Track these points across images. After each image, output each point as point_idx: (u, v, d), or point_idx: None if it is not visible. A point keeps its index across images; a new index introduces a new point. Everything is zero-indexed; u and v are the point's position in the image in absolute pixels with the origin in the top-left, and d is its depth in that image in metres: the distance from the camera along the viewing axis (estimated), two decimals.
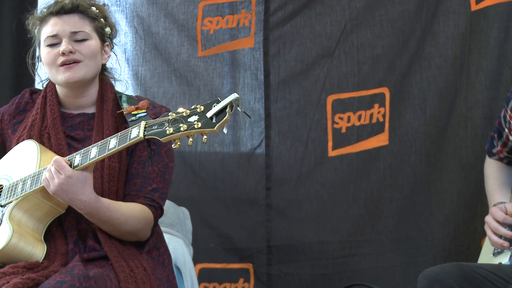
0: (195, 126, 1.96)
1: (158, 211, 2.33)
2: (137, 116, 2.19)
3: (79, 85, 2.37)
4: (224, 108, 1.95)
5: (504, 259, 2.57)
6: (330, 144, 3.63)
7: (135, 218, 2.26)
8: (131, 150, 2.32)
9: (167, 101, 3.67)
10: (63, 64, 2.32)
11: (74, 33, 2.34)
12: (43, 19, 2.38)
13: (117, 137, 2.09)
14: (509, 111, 2.58)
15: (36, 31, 2.41)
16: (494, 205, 2.61)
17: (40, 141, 2.34)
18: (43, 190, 2.22)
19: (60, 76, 2.34)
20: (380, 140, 3.60)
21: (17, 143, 2.38)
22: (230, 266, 3.66)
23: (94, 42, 2.37)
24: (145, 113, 2.19)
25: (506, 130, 2.63)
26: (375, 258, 3.57)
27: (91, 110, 2.41)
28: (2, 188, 2.35)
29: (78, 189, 2.15)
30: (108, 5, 2.49)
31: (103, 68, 2.44)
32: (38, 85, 2.55)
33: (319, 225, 3.62)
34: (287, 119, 3.67)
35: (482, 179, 2.81)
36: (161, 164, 2.33)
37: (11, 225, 2.21)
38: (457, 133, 3.52)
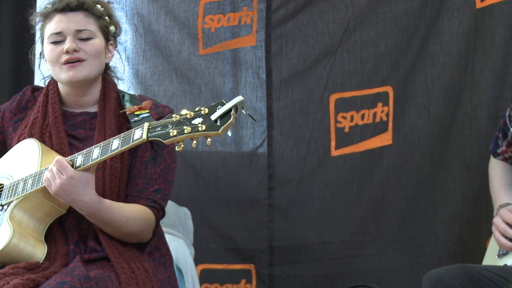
0: (199, 128, 1.96)
1: (160, 213, 2.33)
2: (140, 116, 2.18)
3: (82, 84, 2.36)
4: (229, 110, 1.95)
5: (509, 261, 2.57)
6: (333, 143, 3.64)
7: (137, 220, 2.26)
8: (133, 151, 2.32)
9: (167, 100, 3.67)
10: (66, 62, 2.32)
11: (79, 31, 2.33)
12: (47, 16, 2.37)
13: (120, 138, 2.09)
14: None
15: (39, 27, 2.40)
16: (500, 205, 2.61)
17: (41, 139, 2.33)
18: (44, 190, 2.21)
19: (63, 75, 2.33)
20: (384, 139, 3.61)
21: (18, 141, 2.37)
22: (231, 267, 3.67)
23: (98, 41, 2.36)
24: (148, 114, 2.18)
25: (511, 130, 2.63)
26: (379, 259, 3.57)
27: (93, 109, 2.40)
28: (2, 187, 2.34)
29: (79, 190, 2.14)
30: (112, 2, 2.48)
31: (106, 67, 2.43)
32: (40, 83, 2.54)
33: (321, 226, 3.62)
34: (289, 118, 3.67)
35: (487, 179, 2.81)
36: (163, 165, 2.33)
37: (11, 225, 2.21)
38: (462, 133, 3.52)
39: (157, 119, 2.15)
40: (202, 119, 1.97)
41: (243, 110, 1.96)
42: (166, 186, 2.33)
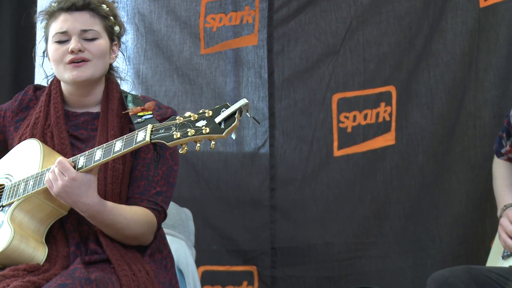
0: (203, 131, 1.95)
1: (161, 215, 2.33)
2: (143, 118, 2.18)
3: (85, 84, 2.36)
4: (233, 113, 1.94)
5: None
6: (335, 143, 3.64)
7: (138, 222, 2.25)
8: (135, 152, 2.31)
9: (169, 99, 3.68)
10: (71, 62, 2.31)
11: (84, 31, 2.33)
12: (52, 14, 2.36)
13: (123, 140, 2.08)
14: None
15: (43, 25, 2.40)
16: (506, 206, 2.61)
17: (43, 140, 2.33)
18: (45, 191, 2.21)
19: (67, 74, 2.32)
20: (387, 139, 3.61)
21: (20, 141, 2.37)
22: (233, 269, 3.67)
23: (103, 41, 2.36)
24: (151, 115, 2.18)
25: None
26: (382, 261, 3.57)
27: (96, 109, 2.40)
28: (3, 187, 2.34)
29: (82, 192, 2.14)
30: (116, 1, 2.48)
31: (110, 67, 2.42)
32: (41, 82, 2.54)
33: (324, 227, 3.62)
34: (291, 118, 3.68)
35: (491, 179, 2.81)
36: (165, 167, 2.32)
37: (12, 226, 2.21)
38: (466, 133, 3.52)
39: (160, 120, 2.15)
40: (206, 122, 1.96)
41: (247, 113, 1.96)
42: (168, 188, 2.33)
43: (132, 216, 2.24)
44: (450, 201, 3.53)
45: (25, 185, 2.24)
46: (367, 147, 3.62)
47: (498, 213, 2.65)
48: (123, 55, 2.53)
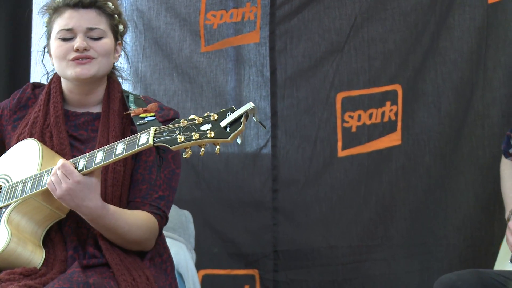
0: (208, 135, 1.94)
1: (163, 220, 2.33)
2: (146, 119, 2.17)
3: (88, 82, 2.35)
4: (239, 117, 1.94)
5: None
6: (339, 144, 3.65)
7: (141, 228, 2.25)
8: (137, 154, 2.29)
9: (168, 98, 3.68)
10: (75, 59, 2.30)
11: (90, 29, 2.32)
12: (56, 9, 2.35)
13: (125, 142, 2.07)
14: None
15: (46, 20, 2.39)
16: None
17: (42, 140, 2.32)
18: (44, 193, 2.21)
19: (70, 71, 2.31)
20: (392, 139, 3.62)
21: (18, 141, 2.36)
22: (234, 272, 3.68)
23: (109, 40, 2.35)
24: (154, 117, 2.18)
25: None
26: (387, 264, 3.58)
27: (96, 109, 2.39)
28: (0, 188, 2.34)
29: (85, 195, 2.14)
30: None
31: (112, 66, 2.42)
32: (40, 79, 2.53)
33: (328, 229, 3.63)
34: (294, 117, 3.68)
35: (500, 180, 2.82)
36: (167, 171, 2.31)
37: (9, 229, 2.20)
38: (474, 132, 3.52)
39: (162, 122, 2.15)
40: (211, 125, 1.95)
41: (253, 118, 1.95)
42: (170, 192, 2.33)
43: (135, 220, 2.24)
44: (457, 202, 3.53)
45: (23, 186, 2.24)
46: (372, 147, 3.63)
47: (506, 216, 2.66)
48: (126, 54, 2.52)
